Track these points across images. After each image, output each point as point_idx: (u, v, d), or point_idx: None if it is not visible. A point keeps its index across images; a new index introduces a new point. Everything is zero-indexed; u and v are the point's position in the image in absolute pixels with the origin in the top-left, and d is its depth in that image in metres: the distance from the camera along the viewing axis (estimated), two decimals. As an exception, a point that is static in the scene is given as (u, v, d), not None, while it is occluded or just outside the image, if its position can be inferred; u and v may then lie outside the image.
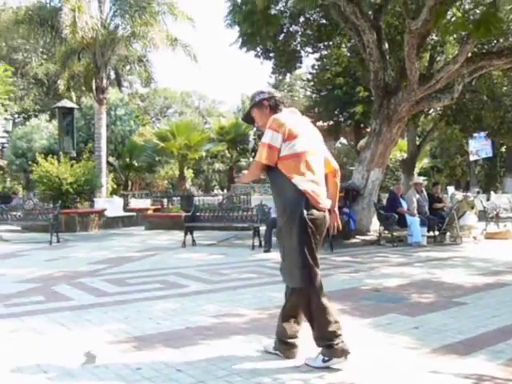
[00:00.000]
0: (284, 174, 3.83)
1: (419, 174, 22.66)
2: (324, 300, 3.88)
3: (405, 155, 20.79)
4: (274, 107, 4.09)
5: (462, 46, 12.04)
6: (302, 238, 3.83)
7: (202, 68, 25.47)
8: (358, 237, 12.69)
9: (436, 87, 12.42)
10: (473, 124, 18.54)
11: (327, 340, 3.83)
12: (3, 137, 36.47)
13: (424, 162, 30.44)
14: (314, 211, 3.82)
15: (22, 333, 4.82)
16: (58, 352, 4.24)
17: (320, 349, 3.87)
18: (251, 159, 41.46)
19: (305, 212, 3.78)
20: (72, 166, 17.51)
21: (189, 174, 35.89)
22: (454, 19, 11.99)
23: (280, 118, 3.89)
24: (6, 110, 23.90)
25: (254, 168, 4.01)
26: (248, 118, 4.31)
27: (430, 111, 19.52)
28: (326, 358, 3.81)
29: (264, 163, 3.88)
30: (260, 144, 3.96)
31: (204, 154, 32.33)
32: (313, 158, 3.91)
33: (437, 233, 12.75)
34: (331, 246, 10.96)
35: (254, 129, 41.74)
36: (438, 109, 18.48)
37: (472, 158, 27.82)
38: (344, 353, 3.81)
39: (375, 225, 13.09)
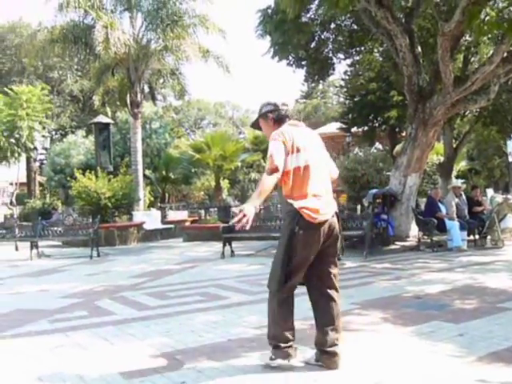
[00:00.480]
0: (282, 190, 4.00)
1: (457, 177, 22.34)
2: (282, 305, 4.17)
3: (442, 159, 20.50)
4: (278, 120, 4.18)
5: (497, 46, 11.86)
6: (287, 251, 3.95)
7: (234, 78, 25.87)
8: (397, 243, 12.56)
9: (471, 89, 12.23)
10: (510, 125, 18.21)
11: (277, 341, 4.07)
12: (42, 154, 37.18)
13: (461, 165, 29.97)
14: (308, 227, 3.88)
15: (67, 348, 4.90)
16: (101, 366, 4.30)
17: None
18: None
19: (296, 228, 3.89)
20: (110, 180, 17.77)
21: (225, 184, 35.99)
22: (487, 19, 11.82)
23: (281, 131, 4.00)
24: (43, 128, 24.43)
25: (267, 180, 3.87)
26: (256, 126, 4.46)
27: (466, 113, 19.25)
28: (273, 357, 4.04)
29: (274, 166, 3.85)
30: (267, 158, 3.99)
31: (239, 164, 32.34)
32: (315, 170, 3.99)
33: (477, 237, 12.51)
34: (370, 253, 10.87)
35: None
36: (475, 110, 18.21)
37: (511, 158, 27.33)
38: (288, 357, 4.04)
39: (414, 230, 12.92)
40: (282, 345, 4.06)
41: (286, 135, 3.96)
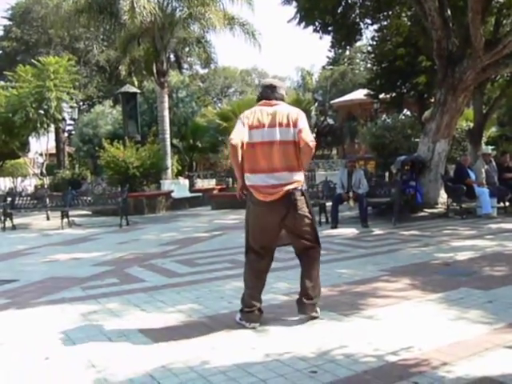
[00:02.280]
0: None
1: (487, 144, 21.94)
2: (250, 271, 4.64)
3: (471, 125, 20.11)
4: (257, 100, 4.58)
5: (530, 8, 11.55)
6: (246, 221, 4.63)
7: (260, 45, 25.46)
8: (425, 210, 12.46)
9: (503, 53, 11.93)
10: (543, 89, 17.78)
11: (243, 305, 4.51)
12: (70, 124, 37.48)
13: (492, 131, 29.42)
14: (255, 202, 4.36)
15: (100, 314, 5.01)
16: (132, 332, 4.40)
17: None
18: (314, 135, 41.24)
19: (249, 203, 4.46)
20: (137, 149, 17.87)
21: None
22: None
23: (245, 112, 4.45)
24: (71, 99, 24.51)
25: (231, 156, 4.49)
26: None
27: (497, 78, 18.82)
28: (240, 318, 4.49)
29: (231, 137, 4.29)
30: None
31: (266, 130, 32.33)
32: (266, 147, 4.27)
33: (507, 204, 12.37)
34: (398, 220, 10.84)
35: (316, 104, 41.50)
36: (506, 75, 17.79)
37: (543, 123, 26.75)
38: (249, 321, 4.40)
39: (443, 197, 12.81)
40: (246, 309, 4.46)
41: (247, 114, 4.38)
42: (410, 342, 3.82)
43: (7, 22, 41.08)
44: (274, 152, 4.24)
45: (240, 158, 4.33)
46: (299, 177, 4.34)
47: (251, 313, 4.43)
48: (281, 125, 4.27)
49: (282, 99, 4.49)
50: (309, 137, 4.26)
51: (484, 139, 20.66)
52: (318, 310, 4.53)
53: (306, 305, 4.44)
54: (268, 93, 4.47)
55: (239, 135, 4.27)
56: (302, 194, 4.35)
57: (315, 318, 4.49)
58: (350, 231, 10.30)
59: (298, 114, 4.36)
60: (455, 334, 3.95)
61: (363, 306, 4.86)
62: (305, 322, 4.44)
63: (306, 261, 4.58)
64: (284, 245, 4.80)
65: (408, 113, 26.32)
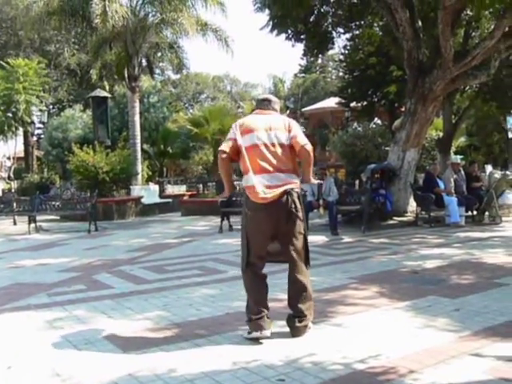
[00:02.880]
0: None
1: (456, 153, 22.24)
2: (252, 281, 4.42)
3: (441, 134, 20.42)
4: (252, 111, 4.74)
5: (498, 21, 11.74)
6: (243, 227, 4.45)
7: (233, 52, 25.43)
8: (394, 218, 12.58)
9: (472, 64, 12.15)
10: (510, 100, 18.12)
11: (250, 314, 4.27)
12: (39, 128, 37.02)
13: (460, 141, 29.91)
14: (250, 206, 4.28)
15: (66, 321, 4.93)
16: (99, 339, 4.33)
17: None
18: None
19: (246, 209, 4.36)
20: (107, 154, 17.72)
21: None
22: (489, -7, 11.68)
23: (237, 121, 4.52)
24: (41, 102, 24.28)
25: (219, 165, 4.44)
26: None
27: (466, 89, 19.13)
28: (249, 331, 4.21)
29: (220, 149, 4.37)
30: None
31: (237, 138, 32.34)
32: (260, 150, 4.25)
33: (475, 212, 12.54)
34: (367, 228, 10.92)
35: (288, 111, 41.66)
36: (474, 86, 18.10)
37: (510, 135, 27.23)
38: (260, 329, 4.16)
39: (412, 206, 12.94)
40: (253, 317, 4.22)
41: (240, 121, 4.45)
42: (378, 349, 3.83)
43: (-25, 23, 40.39)
44: (269, 154, 4.24)
45: (227, 168, 4.43)
46: (295, 179, 4.33)
47: (261, 319, 4.22)
48: (275, 128, 4.32)
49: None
50: (303, 140, 4.30)
51: (453, 149, 21.01)
52: (311, 326, 4.37)
53: (298, 328, 4.25)
54: (264, 104, 4.55)
55: (226, 147, 4.31)
56: (299, 198, 4.32)
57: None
58: (320, 239, 10.33)
59: (291, 121, 4.44)
60: (422, 342, 3.98)
61: (332, 313, 4.87)
62: (273, 329, 4.41)
63: (295, 276, 4.33)
64: (278, 261, 4.60)
65: (379, 121, 26.56)
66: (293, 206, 4.22)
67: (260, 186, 4.18)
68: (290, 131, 4.32)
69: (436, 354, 3.71)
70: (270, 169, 4.22)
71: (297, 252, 4.30)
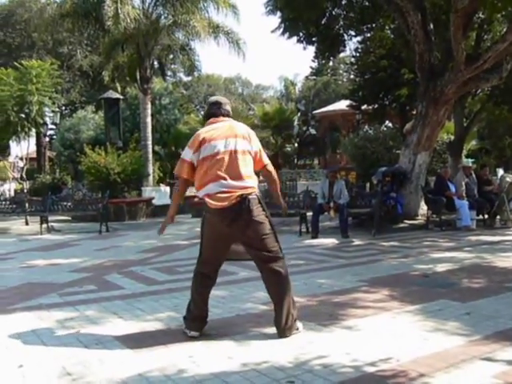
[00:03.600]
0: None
1: (467, 156, 22.18)
2: (197, 287, 4.55)
3: (452, 137, 20.33)
4: (205, 118, 4.77)
5: (510, 24, 11.69)
6: (201, 233, 4.55)
7: (244, 54, 25.46)
8: (405, 221, 12.54)
9: (483, 67, 12.09)
10: (522, 104, 18.03)
11: (187, 314, 4.51)
12: (52, 129, 37.20)
13: (472, 144, 29.76)
14: (208, 211, 4.35)
15: (77, 321, 4.96)
16: (110, 340, 4.36)
17: None
18: (296, 145, 41.36)
19: (204, 213, 4.46)
20: (119, 156, 17.78)
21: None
22: (501, -4, 11.63)
23: (194, 135, 4.49)
24: (53, 103, 24.35)
25: (178, 184, 4.63)
26: None
27: (478, 92, 19.05)
28: (186, 326, 4.48)
29: (177, 174, 4.55)
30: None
31: (249, 140, 32.36)
32: (217, 158, 4.28)
33: (486, 216, 12.48)
34: (378, 231, 10.90)
35: (299, 114, 41.63)
36: (486, 89, 18.01)
37: (522, 138, 27.08)
38: (191, 329, 4.41)
39: (423, 209, 12.90)
40: (189, 317, 4.49)
41: (197, 137, 4.41)
42: (388, 353, 3.82)
43: (-11, 25, 40.72)
44: (227, 161, 4.27)
45: (184, 191, 4.67)
46: (253, 184, 4.33)
47: (194, 322, 4.44)
48: (234, 136, 4.36)
49: (228, 115, 4.60)
50: (266, 159, 4.55)
51: (464, 152, 20.90)
52: (298, 325, 4.40)
53: (283, 329, 4.30)
54: (214, 109, 4.59)
55: (184, 173, 4.46)
56: (259, 202, 4.32)
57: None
58: (330, 241, 10.32)
59: (249, 132, 4.52)
60: (433, 346, 3.97)
61: (342, 316, 4.87)
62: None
63: (273, 278, 4.33)
64: (240, 259, 4.73)
65: (390, 124, 26.56)
66: (251, 212, 4.24)
67: (218, 191, 4.23)
68: (249, 140, 4.43)
69: (446, 358, 3.70)
70: (230, 176, 4.25)
71: (265, 248, 4.31)
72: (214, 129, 4.42)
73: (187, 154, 4.42)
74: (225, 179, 4.24)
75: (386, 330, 4.40)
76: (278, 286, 4.32)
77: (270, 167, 4.56)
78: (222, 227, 4.31)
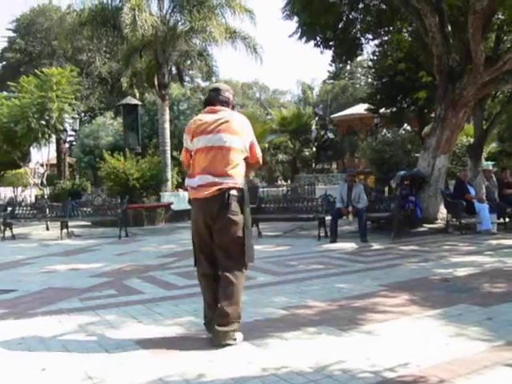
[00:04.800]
0: None
1: (487, 159, 21.96)
2: (202, 284, 4.50)
3: (471, 140, 20.21)
4: (204, 105, 4.65)
5: (530, 25, 11.62)
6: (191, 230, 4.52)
7: (262, 59, 25.45)
8: (425, 225, 12.46)
9: (503, 69, 12.00)
10: (543, 105, 17.86)
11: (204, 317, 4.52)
12: (71, 135, 37.53)
13: (492, 147, 29.48)
14: (191, 204, 4.44)
15: (97, 326, 4.99)
16: (130, 344, 4.38)
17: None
18: (314, 149, 41.32)
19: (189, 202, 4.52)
20: (138, 161, 17.89)
21: (251, 165, 36.12)
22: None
23: (189, 122, 4.56)
24: (73, 110, 24.52)
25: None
26: None
27: (498, 94, 18.91)
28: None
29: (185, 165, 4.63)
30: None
31: (267, 145, 32.39)
32: (206, 152, 4.30)
33: (507, 219, 12.36)
34: (397, 235, 10.84)
35: (316, 118, 41.61)
36: (506, 91, 17.88)
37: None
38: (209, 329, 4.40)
39: (443, 213, 12.80)
40: (205, 320, 4.52)
41: (190, 124, 4.48)
42: (408, 358, 3.80)
43: (12, 34, 41.33)
44: (214, 156, 4.26)
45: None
46: (236, 181, 4.28)
47: (209, 323, 4.41)
48: (223, 130, 4.29)
49: (227, 102, 4.51)
50: (259, 153, 4.54)
51: (484, 155, 20.72)
52: (236, 336, 4.27)
53: (217, 332, 4.19)
54: (212, 96, 4.53)
55: (185, 159, 4.56)
56: (239, 202, 4.28)
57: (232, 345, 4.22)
58: (349, 246, 10.29)
59: (243, 124, 4.42)
60: (454, 351, 3.94)
61: (362, 321, 4.85)
62: (303, 336, 4.42)
63: (223, 283, 4.26)
64: None
65: (408, 128, 26.43)
66: (227, 207, 4.21)
67: (200, 184, 4.27)
68: (241, 135, 4.35)
69: (468, 364, 3.67)
70: (215, 171, 4.24)
71: (228, 253, 4.26)
72: (207, 121, 4.36)
73: (186, 142, 4.49)
74: (209, 174, 4.24)
75: (406, 335, 4.38)
76: (225, 293, 4.23)
77: (261, 161, 4.61)
78: (199, 218, 4.32)
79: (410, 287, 6.22)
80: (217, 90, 4.55)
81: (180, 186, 25.45)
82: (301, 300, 5.70)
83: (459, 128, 13.28)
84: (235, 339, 4.25)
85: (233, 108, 4.57)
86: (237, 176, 4.29)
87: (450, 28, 13.00)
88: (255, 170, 5.01)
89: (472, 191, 12.01)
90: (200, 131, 4.34)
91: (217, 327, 4.19)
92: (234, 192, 4.24)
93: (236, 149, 4.30)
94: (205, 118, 4.41)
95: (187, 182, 4.45)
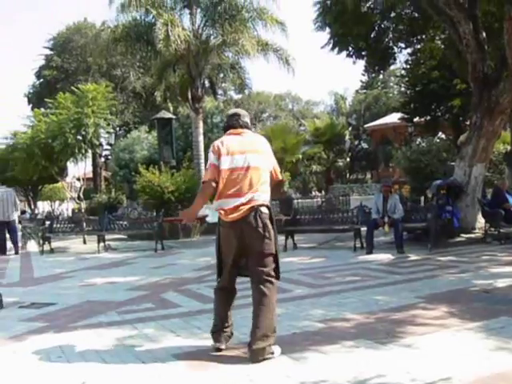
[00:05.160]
0: None
1: (525, 167, 21.55)
2: (217, 296, 4.82)
3: (508, 148, 19.87)
4: (224, 130, 4.82)
5: None
6: (217, 244, 4.67)
7: (294, 70, 25.47)
8: (462, 235, 12.26)
9: (540, 75, 11.80)
10: None
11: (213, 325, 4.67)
12: (107, 149, 38.14)
13: (530, 154, 28.94)
14: (223, 224, 4.54)
15: (136, 339, 5.04)
16: (168, 358, 4.41)
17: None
18: (348, 160, 41.14)
19: (218, 225, 4.62)
20: (172, 174, 18.03)
21: (286, 176, 36.10)
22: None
23: (215, 142, 4.65)
24: (108, 124, 24.90)
25: (203, 188, 4.63)
26: None
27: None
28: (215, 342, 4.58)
29: (205, 179, 4.57)
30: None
31: (300, 156, 32.38)
32: (234, 172, 4.44)
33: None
34: (434, 245, 10.70)
35: (350, 128, 41.46)
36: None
37: None
38: (216, 341, 4.56)
39: (480, 222, 12.58)
40: (212, 329, 4.65)
41: (219, 144, 4.57)
42: (449, 372, 3.74)
43: (49, 52, 42.26)
44: (244, 176, 4.42)
45: (211, 194, 4.59)
46: (265, 198, 4.48)
47: (216, 332, 4.58)
48: (249, 151, 4.49)
49: (247, 126, 4.73)
50: (279, 174, 4.73)
51: (522, 162, 20.32)
52: (273, 350, 4.32)
53: (254, 351, 4.23)
54: (233, 121, 4.73)
55: (213, 175, 4.50)
56: (270, 218, 4.46)
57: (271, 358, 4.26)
58: (386, 257, 10.19)
59: (266, 144, 4.67)
60: (495, 365, 3.86)
61: (400, 334, 4.79)
62: (341, 349, 4.39)
63: (257, 296, 4.46)
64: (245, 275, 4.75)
65: (443, 136, 26.11)
66: (260, 224, 4.38)
67: (233, 207, 4.39)
68: (265, 155, 4.57)
69: (510, 379, 3.60)
70: (245, 191, 4.40)
71: (262, 268, 4.45)
72: (233, 141, 4.56)
73: (213, 159, 4.53)
74: (239, 194, 4.39)
75: (446, 349, 4.31)
76: (259, 305, 4.40)
77: (281, 180, 4.80)
78: (232, 239, 4.47)
79: (448, 299, 6.13)
80: (237, 115, 4.77)
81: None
82: (338, 313, 5.67)
83: (496, 136, 13.08)
84: (273, 353, 4.29)
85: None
86: (265, 194, 4.49)
87: (484, 34, 12.84)
88: (279, 187, 5.15)
89: (511, 200, 11.79)
90: (231, 151, 4.48)
91: (253, 346, 4.24)
92: (264, 209, 4.43)
93: (263, 168, 4.51)
94: (231, 139, 4.60)
95: (217, 203, 4.52)
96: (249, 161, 4.44)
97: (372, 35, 15.65)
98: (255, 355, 4.22)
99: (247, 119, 4.78)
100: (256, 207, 4.37)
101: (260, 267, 4.44)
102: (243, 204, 4.37)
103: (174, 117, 22.52)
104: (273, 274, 4.47)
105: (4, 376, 4.21)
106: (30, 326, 5.76)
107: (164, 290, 7.76)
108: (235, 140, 4.57)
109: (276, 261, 4.49)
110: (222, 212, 4.46)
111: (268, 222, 4.43)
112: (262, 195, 4.45)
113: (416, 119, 25.47)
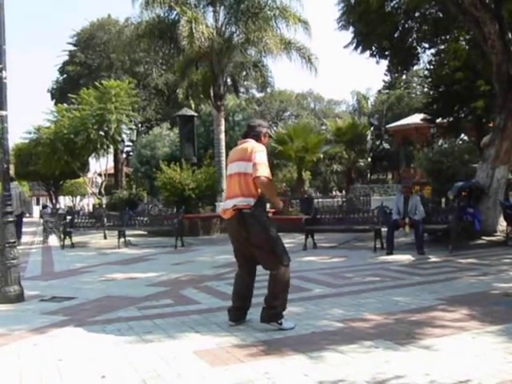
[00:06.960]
0: None
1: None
2: (237, 273, 5.59)
3: (532, 150, 19.64)
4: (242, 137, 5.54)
5: None
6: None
7: (316, 69, 25.33)
8: (483, 238, 12.14)
9: None
10: None
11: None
12: (128, 146, 38.35)
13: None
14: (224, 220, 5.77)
15: (155, 335, 5.08)
16: (188, 354, 4.44)
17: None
18: (369, 160, 40.92)
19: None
20: (193, 171, 18.10)
21: (307, 176, 36.03)
22: None
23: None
24: (130, 121, 25.07)
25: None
26: None
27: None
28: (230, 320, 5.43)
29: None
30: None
31: (321, 155, 32.26)
32: (229, 178, 5.34)
33: None
34: (455, 247, 10.61)
35: (372, 128, 41.21)
36: None
37: None
38: (231, 320, 5.37)
39: (502, 225, 12.45)
40: (229, 308, 5.45)
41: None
42: (468, 375, 3.72)
43: (72, 48, 42.62)
44: (234, 182, 5.18)
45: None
46: (248, 201, 5.07)
47: (229, 311, 5.40)
48: (240, 159, 5.19)
49: (258, 135, 5.37)
50: (257, 171, 4.99)
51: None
52: (282, 321, 5.07)
53: (265, 311, 5.15)
54: (247, 131, 5.49)
55: None
56: (253, 217, 5.05)
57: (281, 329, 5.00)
58: (406, 258, 10.14)
59: (252, 149, 5.12)
60: (516, 369, 3.83)
61: (420, 335, 4.77)
62: (360, 349, 4.38)
63: (270, 277, 5.21)
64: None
65: (466, 138, 25.88)
66: (245, 220, 5.06)
67: (225, 208, 5.27)
68: (250, 159, 5.07)
69: (531, 382, 3.57)
70: (234, 194, 5.17)
71: (261, 257, 5.21)
72: (234, 151, 5.39)
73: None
74: (230, 197, 5.22)
75: (466, 351, 4.29)
76: (271, 283, 5.20)
77: (259, 180, 5.00)
78: (229, 233, 5.49)
79: (468, 301, 6.08)
80: (251, 127, 5.48)
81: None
82: (357, 313, 5.66)
83: (520, 138, 12.92)
84: (280, 323, 5.08)
85: (264, 137, 5.45)
86: (249, 196, 5.08)
87: (510, 35, 12.69)
88: (263, 185, 5.32)
89: (533, 203, 11.66)
90: (230, 160, 5.38)
91: (263, 313, 5.16)
92: (246, 210, 5.06)
93: (248, 173, 5.07)
94: (235, 149, 5.43)
95: (222, 204, 5.44)
96: (238, 167, 5.17)
97: (396, 35, 15.56)
98: (265, 317, 5.14)
99: (260, 128, 5.44)
100: (238, 210, 5.09)
101: (260, 257, 5.24)
102: (231, 206, 5.14)
103: (195, 114, 22.55)
104: (273, 266, 5.14)
105: (25, 368, 4.27)
106: (51, 320, 5.84)
107: (184, 286, 7.81)
108: (236, 149, 5.38)
109: (273, 250, 5.10)
110: (222, 211, 5.41)
111: (253, 221, 5.05)
112: (247, 198, 5.07)
113: (439, 120, 25.22)
